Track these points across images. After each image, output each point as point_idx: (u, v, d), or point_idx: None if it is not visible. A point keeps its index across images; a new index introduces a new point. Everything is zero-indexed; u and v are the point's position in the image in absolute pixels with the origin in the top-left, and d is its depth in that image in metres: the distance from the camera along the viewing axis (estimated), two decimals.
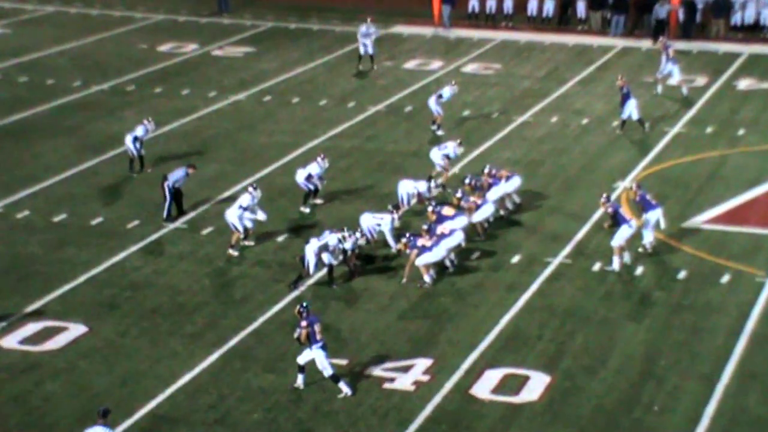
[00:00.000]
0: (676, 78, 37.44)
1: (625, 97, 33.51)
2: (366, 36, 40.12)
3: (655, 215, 25.66)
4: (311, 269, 24.04)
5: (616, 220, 25.01)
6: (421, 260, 24.12)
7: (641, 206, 25.87)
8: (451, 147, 29.57)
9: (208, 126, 34.53)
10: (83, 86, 37.99)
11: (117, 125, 34.15)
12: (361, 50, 40.21)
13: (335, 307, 23.30)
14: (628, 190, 26.63)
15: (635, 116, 33.41)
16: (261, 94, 37.90)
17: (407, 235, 24.67)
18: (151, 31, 46.26)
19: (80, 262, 25.04)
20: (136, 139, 30.21)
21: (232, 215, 25.59)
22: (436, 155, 29.53)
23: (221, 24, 46.95)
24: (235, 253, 25.49)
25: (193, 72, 40.33)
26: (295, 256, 24.65)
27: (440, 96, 33.73)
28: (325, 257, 24.07)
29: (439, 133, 33.40)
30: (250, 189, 26.03)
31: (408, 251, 24.30)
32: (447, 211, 25.72)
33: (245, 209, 25.64)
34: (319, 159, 28.30)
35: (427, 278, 24.14)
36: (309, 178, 28.19)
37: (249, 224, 25.73)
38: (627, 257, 25.11)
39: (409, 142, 33.13)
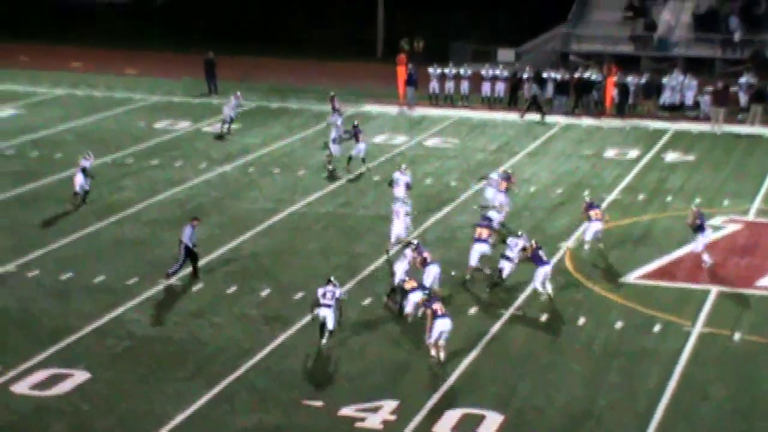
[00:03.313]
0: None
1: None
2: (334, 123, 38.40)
3: (543, 271, 25.73)
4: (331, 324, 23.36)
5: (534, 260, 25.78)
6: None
7: (533, 260, 25.85)
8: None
9: (198, 194, 34.48)
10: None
11: (117, 194, 34.07)
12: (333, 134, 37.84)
13: (311, 354, 23.17)
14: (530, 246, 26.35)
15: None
16: (246, 165, 37.90)
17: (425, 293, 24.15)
18: (149, 110, 46.29)
19: (84, 316, 24.85)
20: (84, 170, 32.43)
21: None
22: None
23: (211, 104, 47.04)
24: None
25: (186, 146, 40.32)
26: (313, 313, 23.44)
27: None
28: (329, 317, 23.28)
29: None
30: None
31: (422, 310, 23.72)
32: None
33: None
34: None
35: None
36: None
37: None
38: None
39: (378, 207, 33.18)
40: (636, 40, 54.95)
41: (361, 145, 36.77)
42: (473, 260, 26.79)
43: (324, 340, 23.24)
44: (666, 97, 46.62)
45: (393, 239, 28.85)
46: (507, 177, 32.38)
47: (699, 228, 28.33)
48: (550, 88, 47.23)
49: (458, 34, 58.71)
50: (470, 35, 58.42)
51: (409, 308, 24.47)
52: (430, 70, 48.35)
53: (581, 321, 25.06)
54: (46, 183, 35.35)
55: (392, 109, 46.91)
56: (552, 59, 53.84)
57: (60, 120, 43.79)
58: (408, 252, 25.78)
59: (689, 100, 46.35)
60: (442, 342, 22.75)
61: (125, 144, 40.15)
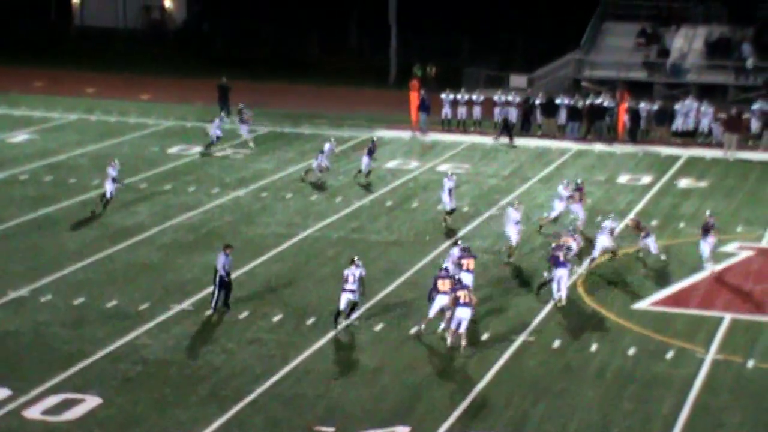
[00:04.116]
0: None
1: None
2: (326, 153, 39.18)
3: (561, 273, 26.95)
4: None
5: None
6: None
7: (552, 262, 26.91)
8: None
9: (211, 219, 34.53)
10: (101, 184, 37.92)
11: (131, 218, 34.14)
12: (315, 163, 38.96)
13: (324, 380, 23.14)
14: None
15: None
16: (259, 190, 37.97)
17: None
18: (162, 135, 46.43)
19: (97, 340, 24.86)
20: (114, 179, 34.42)
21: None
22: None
23: (224, 129, 47.09)
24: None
25: (199, 171, 40.41)
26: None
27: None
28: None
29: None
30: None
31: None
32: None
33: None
34: None
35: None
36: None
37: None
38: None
39: (390, 232, 33.17)
40: (649, 66, 54.97)
41: (368, 161, 38.74)
42: (561, 288, 27.16)
43: (343, 322, 25.23)
44: (678, 124, 46.62)
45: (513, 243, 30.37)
46: (578, 188, 33.42)
47: (705, 232, 29.39)
48: (562, 114, 47.27)
49: (471, 60, 58.84)
50: (483, 61, 58.53)
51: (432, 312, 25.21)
52: (443, 95, 48.44)
53: (594, 347, 24.97)
54: (60, 207, 35.44)
55: (405, 135, 46.96)
56: (564, 85, 53.88)
57: (74, 145, 43.95)
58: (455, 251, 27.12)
59: (704, 126, 46.32)
60: (461, 330, 23.40)
61: (139, 169, 40.25)
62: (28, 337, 25.14)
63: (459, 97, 48.26)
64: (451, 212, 33.69)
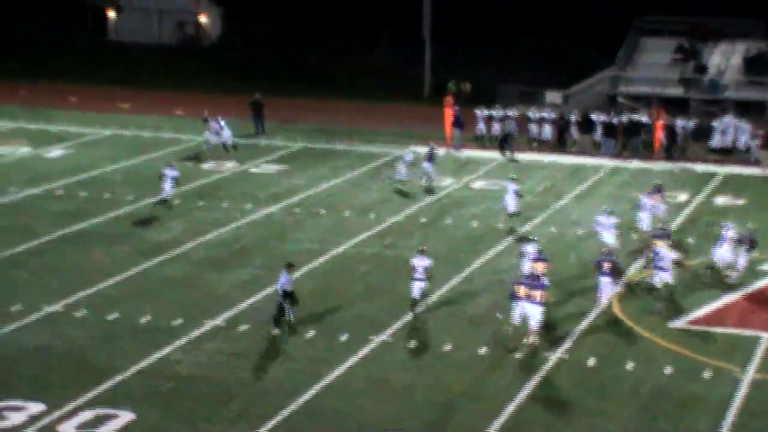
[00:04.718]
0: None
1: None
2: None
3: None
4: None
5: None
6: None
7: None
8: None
9: (244, 235, 34.66)
10: (135, 200, 38.27)
11: (164, 234, 34.32)
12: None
13: (355, 397, 23.13)
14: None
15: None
16: (291, 206, 38.08)
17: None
18: (195, 151, 46.64)
19: (130, 356, 24.99)
20: (175, 180, 36.54)
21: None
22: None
23: (257, 145, 47.39)
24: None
25: (232, 187, 40.59)
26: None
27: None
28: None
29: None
30: None
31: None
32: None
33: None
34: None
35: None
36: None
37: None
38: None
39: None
40: (686, 82, 54.75)
41: (430, 166, 40.63)
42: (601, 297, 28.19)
43: (416, 309, 27.32)
44: (716, 141, 46.38)
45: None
46: (658, 190, 34.74)
47: (743, 243, 30.10)
48: (598, 131, 47.17)
49: (505, 76, 58.83)
50: (517, 77, 58.52)
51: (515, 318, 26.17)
52: (477, 111, 48.47)
53: (629, 366, 24.83)
54: (94, 223, 35.69)
55: (439, 151, 46.93)
56: (600, 101, 53.77)
57: (108, 160, 44.28)
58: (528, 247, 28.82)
59: (742, 143, 46.06)
60: (532, 327, 25.24)
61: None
62: (62, 351, 25.32)
63: (494, 113, 48.31)
64: (513, 216, 35.46)
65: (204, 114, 46.46)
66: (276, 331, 26.26)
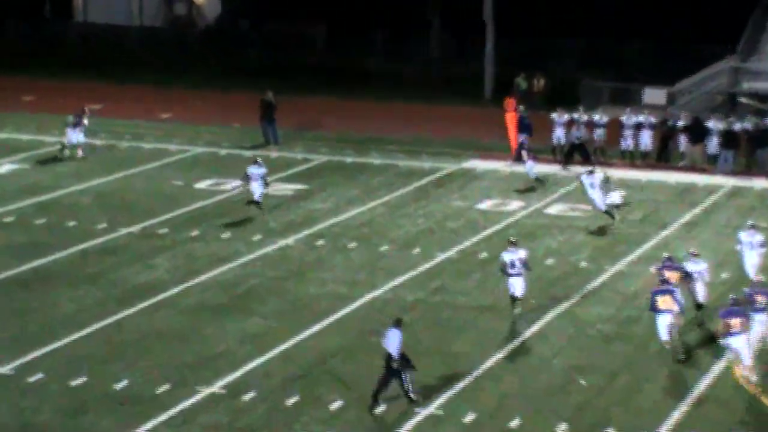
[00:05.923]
0: None
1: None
2: None
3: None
4: None
5: None
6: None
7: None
8: None
9: (251, 275, 34.80)
10: (109, 229, 38.51)
11: (146, 273, 34.52)
12: None
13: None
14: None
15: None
16: (312, 237, 38.23)
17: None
18: (188, 165, 46.98)
19: None
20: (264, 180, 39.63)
21: None
22: None
23: (268, 157, 47.53)
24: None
25: (235, 212, 40.77)
26: None
27: None
28: None
29: None
30: None
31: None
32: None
33: None
34: None
35: None
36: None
37: None
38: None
39: (483, 294, 33.17)
40: None
41: (530, 164, 44.12)
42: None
43: (516, 310, 30.76)
44: None
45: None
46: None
47: None
48: (713, 141, 47.06)
49: (591, 70, 58.88)
50: (607, 71, 58.55)
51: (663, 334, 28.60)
52: (554, 116, 48.51)
53: None
54: (55, 259, 35.93)
55: (502, 166, 47.02)
56: (716, 102, 53.72)
57: (73, 178, 44.60)
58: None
59: None
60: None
61: (157, 210, 40.71)
62: (12, 429, 25.42)
63: (576, 117, 48.33)
64: (614, 208, 38.36)
65: (84, 108, 48.42)
66: (381, 409, 26.17)
